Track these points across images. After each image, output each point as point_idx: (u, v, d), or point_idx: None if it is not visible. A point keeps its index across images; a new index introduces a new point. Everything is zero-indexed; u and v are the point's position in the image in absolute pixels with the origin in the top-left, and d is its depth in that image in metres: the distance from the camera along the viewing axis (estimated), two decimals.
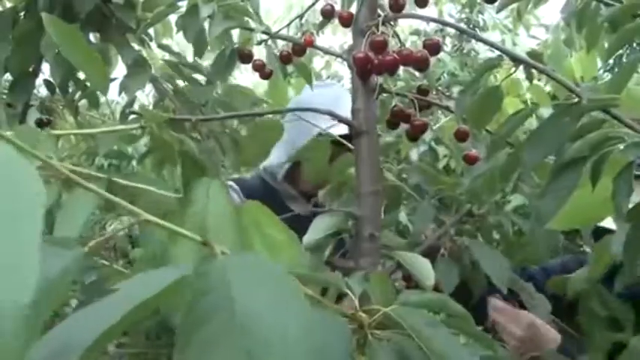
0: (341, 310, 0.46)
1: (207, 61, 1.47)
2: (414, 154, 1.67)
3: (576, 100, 0.70)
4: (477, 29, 4.31)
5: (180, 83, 1.31)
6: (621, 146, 0.68)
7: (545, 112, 2.26)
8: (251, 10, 1.25)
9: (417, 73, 1.66)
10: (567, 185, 0.68)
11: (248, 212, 0.53)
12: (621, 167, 0.67)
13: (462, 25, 4.37)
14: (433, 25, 3.43)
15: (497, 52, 0.84)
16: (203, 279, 0.27)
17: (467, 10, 4.28)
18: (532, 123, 1.66)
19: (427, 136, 1.82)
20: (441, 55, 3.56)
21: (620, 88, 0.77)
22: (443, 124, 1.71)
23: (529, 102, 2.44)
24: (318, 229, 0.94)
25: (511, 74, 0.81)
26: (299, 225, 0.70)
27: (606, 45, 1.10)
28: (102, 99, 2.17)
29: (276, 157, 1.38)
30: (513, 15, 3.10)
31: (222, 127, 1.05)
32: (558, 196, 0.69)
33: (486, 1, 0.90)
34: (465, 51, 3.71)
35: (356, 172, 0.94)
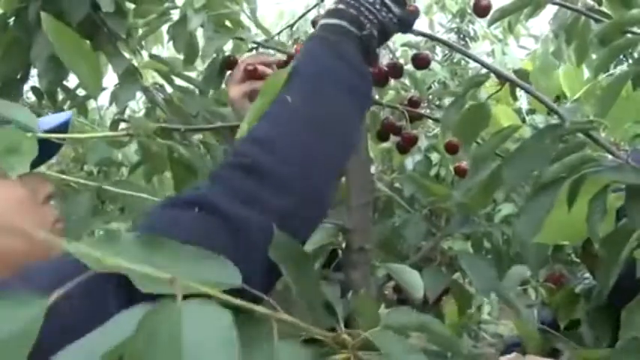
0: (323, 333, 0.46)
1: (201, 67, 1.47)
2: (409, 163, 1.67)
3: (559, 121, 0.71)
4: (467, 39, 4.34)
5: (171, 91, 1.31)
6: (598, 168, 0.69)
7: (540, 120, 2.27)
8: (247, 17, 1.26)
9: (407, 82, 1.67)
10: (544, 206, 0.69)
11: None
12: (598, 189, 0.68)
13: (453, 35, 4.41)
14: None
15: (489, 56, 0.85)
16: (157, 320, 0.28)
17: (457, 19, 4.31)
18: (526, 132, 1.67)
19: (422, 144, 1.83)
20: (432, 63, 3.56)
21: (610, 103, 0.78)
22: (438, 132, 1.71)
23: (523, 110, 2.46)
24: (308, 241, 0.93)
25: (497, 92, 0.83)
26: None
27: (594, 56, 1.11)
28: (92, 105, 2.16)
29: None
30: (503, 25, 3.12)
31: (215, 137, 1.05)
32: (535, 217, 0.70)
33: (478, 14, 0.91)
34: (455, 60, 3.74)
35: (346, 184, 0.93)
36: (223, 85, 1.19)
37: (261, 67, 0.92)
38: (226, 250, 0.44)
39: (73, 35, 0.59)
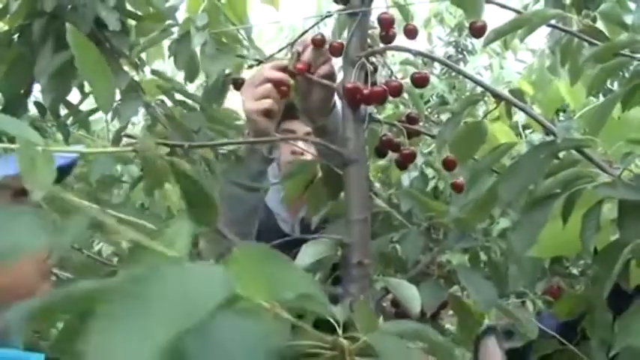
0: (322, 337, 0.47)
1: (199, 80, 1.49)
2: (405, 180, 1.69)
3: (552, 138, 0.73)
4: (465, 52, 4.37)
5: (172, 105, 1.32)
6: (591, 184, 0.71)
7: (537, 137, 2.29)
8: (244, 35, 1.28)
9: (406, 96, 1.69)
10: (538, 221, 0.71)
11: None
12: (591, 205, 0.70)
13: (451, 49, 4.45)
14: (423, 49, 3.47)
15: (487, 70, 0.87)
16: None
17: (455, 33, 4.35)
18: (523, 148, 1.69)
19: (419, 160, 1.85)
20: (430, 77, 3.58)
21: (601, 123, 0.80)
22: (433, 148, 1.73)
23: (519, 126, 2.48)
24: (307, 255, 0.95)
25: (492, 110, 0.85)
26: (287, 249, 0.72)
27: (589, 71, 1.14)
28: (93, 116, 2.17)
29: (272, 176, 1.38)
30: (501, 40, 3.15)
31: (215, 153, 1.06)
32: (530, 231, 0.71)
33: (474, 35, 0.93)
34: (453, 74, 3.77)
35: (346, 200, 0.95)
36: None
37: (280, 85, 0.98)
38: None
39: (96, 51, 0.61)
